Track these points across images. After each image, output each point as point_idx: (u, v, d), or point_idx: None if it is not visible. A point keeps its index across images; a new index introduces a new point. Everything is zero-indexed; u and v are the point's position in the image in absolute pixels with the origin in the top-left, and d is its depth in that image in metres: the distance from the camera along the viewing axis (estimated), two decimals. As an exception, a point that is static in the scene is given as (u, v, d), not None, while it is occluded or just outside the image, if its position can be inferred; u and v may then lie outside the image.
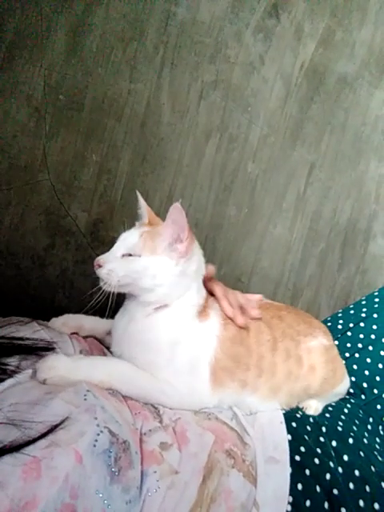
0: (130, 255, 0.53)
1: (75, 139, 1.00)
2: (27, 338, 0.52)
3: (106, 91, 1.01)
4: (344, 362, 0.71)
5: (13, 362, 0.46)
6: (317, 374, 0.59)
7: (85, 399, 0.42)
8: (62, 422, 0.37)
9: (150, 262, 0.52)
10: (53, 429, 0.36)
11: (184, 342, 0.53)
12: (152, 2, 1.02)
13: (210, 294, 0.62)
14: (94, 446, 0.37)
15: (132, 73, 1.03)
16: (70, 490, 0.34)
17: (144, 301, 0.54)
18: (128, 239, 0.54)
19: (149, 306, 0.54)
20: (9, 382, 0.42)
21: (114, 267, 0.52)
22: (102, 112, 1.02)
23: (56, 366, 0.46)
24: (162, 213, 1.10)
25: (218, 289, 0.62)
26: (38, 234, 1.00)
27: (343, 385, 0.64)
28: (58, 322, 0.60)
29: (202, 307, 0.56)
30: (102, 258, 0.53)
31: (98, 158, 1.03)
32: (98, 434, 0.38)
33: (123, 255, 0.53)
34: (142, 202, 0.61)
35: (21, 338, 0.51)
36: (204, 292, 0.58)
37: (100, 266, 0.52)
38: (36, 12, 0.95)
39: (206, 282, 0.61)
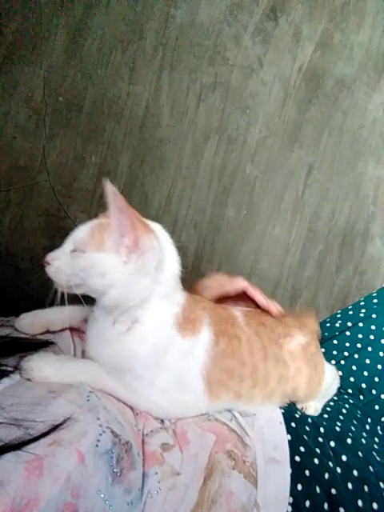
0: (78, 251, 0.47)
1: (74, 141, 1.01)
2: (27, 339, 0.52)
3: (105, 93, 1.02)
4: (343, 362, 0.72)
5: (11, 361, 0.46)
6: (303, 374, 0.59)
7: (88, 400, 0.41)
8: (65, 421, 0.37)
9: (95, 258, 0.45)
10: (55, 428, 0.36)
11: (164, 362, 0.48)
12: (151, 4, 1.02)
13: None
14: (97, 446, 0.37)
15: (131, 75, 1.03)
16: (71, 490, 0.34)
17: (104, 305, 0.47)
18: (77, 233, 0.48)
19: (118, 321, 0.48)
20: (6, 381, 0.42)
21: (61, 265, 0.46)
22: (101, 114, 1.02)
23: (41, 367, 0.44)
24: (161, 214, 1.11)
25: (251, 289, 0.61)
26: (38, 235, 1.00)
27: (327, 378, 0.63)
28: (24, 322, 0.54)
29: (183, 318, 0.49)
30: (50, 255, 0.47)
31: (98, 160, 1.03)
32: (101, 435, 0.38)
33: (72, 251, 0.47)
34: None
35: (20, 338, 0.51)
36: (179, 298, 0.50)
37: (48, 264, 0.46)
38: (36, 14, 0.95)
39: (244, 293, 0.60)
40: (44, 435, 0.35)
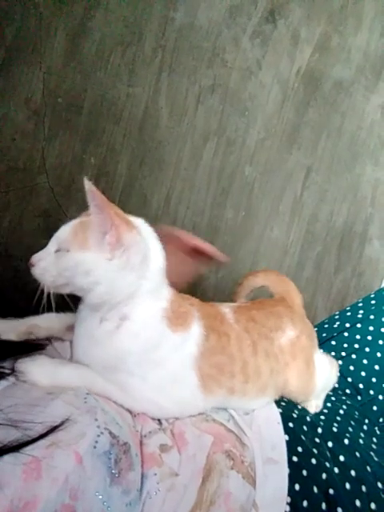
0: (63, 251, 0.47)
1: (74, 142, 1.01)
2: (24, 340, 0.52)
3: (104, 95, 1.02)
4: (340, 362, 0.72)
5: (8, 363, 0.46)
6: (292, 367, 0.59)
7: (85, 401, 0.42)
8: (63, 422, 0.37)
9: (79, 257, 0.45)
10: (53, 429, 0.36)
11: (156, 357, 0.49)
12: (151, 6, 1.03)
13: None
14: (95, 447, 0.37)
15: (130, 76, 1.04)
16: (69, 491, 0.34)
17: (90, 303, 0.47)
18: (60, 233, 0.47)
19: (105, 319, 0.47)
20: (3, 382, 0.42)
21: (47, 265, 0.46)
22: (100, 115, 1.02)
23: (33, 370, 0.44)
24: (159, 216, 1.11)
25: (201, 243, 0.60)
26: (37, 236, 1.00)
27: (322, 369, 0.63)
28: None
29: (171, 312, 0.49)
30: (35, 256, 0.46)
31: (97, 161, 1.03)
32: (99, 436, 0.38)
33: (56, 251, 0.46)
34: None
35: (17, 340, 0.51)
36: (166, 292, 0.50)
37: (33, 265, 0.46)
38: (35, 16, 0.95)
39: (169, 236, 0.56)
40: (42, 437, 0.35)
